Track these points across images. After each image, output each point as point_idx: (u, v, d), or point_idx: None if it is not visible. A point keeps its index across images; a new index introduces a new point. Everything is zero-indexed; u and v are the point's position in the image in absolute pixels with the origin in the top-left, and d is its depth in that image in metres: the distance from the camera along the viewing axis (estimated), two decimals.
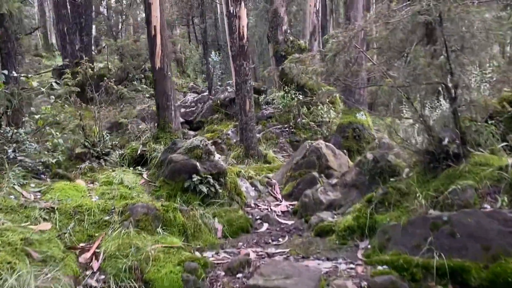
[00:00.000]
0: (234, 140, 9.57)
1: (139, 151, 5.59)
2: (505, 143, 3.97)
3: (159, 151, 5.51)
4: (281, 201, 5.45)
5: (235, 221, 4.43)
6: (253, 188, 5.67)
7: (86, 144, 5.00)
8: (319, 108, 9.91)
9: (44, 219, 3.54)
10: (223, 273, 3.18)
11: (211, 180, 4.79)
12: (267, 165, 7.61)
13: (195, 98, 11.06)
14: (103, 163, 5.03)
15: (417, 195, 3.74)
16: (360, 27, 3.87)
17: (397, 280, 2.77)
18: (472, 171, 3.57)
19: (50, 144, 4.92)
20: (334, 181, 4.98)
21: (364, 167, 4.72)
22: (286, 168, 6.09)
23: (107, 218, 3.75)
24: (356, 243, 3.76)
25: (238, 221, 4.44)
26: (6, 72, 4.80)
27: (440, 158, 3.86)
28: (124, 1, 21.21)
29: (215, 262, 3.42)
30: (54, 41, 27.39)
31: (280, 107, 10.35)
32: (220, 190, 4.86)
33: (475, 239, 2.88)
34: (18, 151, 4.41)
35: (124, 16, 18.68)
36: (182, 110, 11.04)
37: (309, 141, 6.12)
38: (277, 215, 4.95)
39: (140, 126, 12.62)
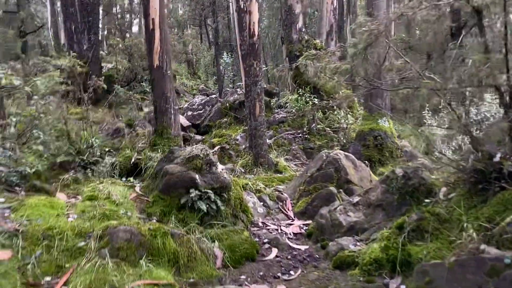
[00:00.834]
0: (243, 146, 8.89)
1: (133, 160, 4.95)
2: None
3: (156, 159, 4.88)
4: (293, 220, 4.74)
5: (239, 246, 3.74)
6: (262, 203, 4.98)
7: (71, 151, 4.38)
8: (335, 112, 9.18)
9: (3, 246, 2.90)
10: None
11: (212, 196, 4.12)
12: (278, 175, 6.92)
13: (203, 101, 10.42)
14: (90, 173, 4.40)
15: (464, 224, 3.01)
16: (398, 13, 3.15)
17: None
18: None
19: (31, 151, 4.30)
20: (355, 199, 4.26)
21: (392, 185, 4.00)
22: (299, 181, 5.38)
23: (81, 244, 3.10)
24: (386, 281, 3.04)
25: (242, 247, 3.75)
26: None
27: (491, 178, 3.12)
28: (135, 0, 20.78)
29: None
30: (63, 41, 27.14)
31: (293, 111, 9.64)
32: (223, 207, 4.18)
33: None
34: None
35: (133, 15, 18.19)
36: (189, 113, 10.41)
37: (326, 150, 5.42)
38: (288, 237, 4.25)
39: (146, 130, 12.09)
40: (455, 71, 2.97)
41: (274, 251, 3.92)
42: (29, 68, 14.83)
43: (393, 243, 3.24)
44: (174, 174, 4.19)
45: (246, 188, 5.02)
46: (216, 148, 9.14)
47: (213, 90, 19.78)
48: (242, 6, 7.11)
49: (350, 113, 9.30)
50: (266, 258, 3.77)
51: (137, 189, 4.50)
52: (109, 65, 18.20)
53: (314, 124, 9.15)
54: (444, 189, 3.75)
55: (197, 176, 4.17)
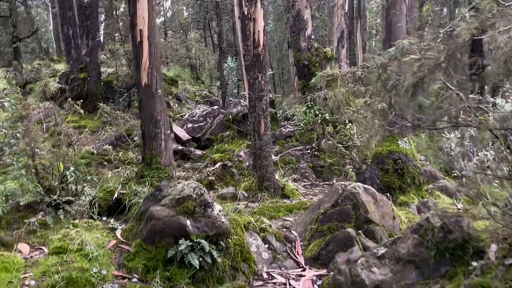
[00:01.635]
0: (247, 163, 8.17)
1: (115, 195, 4.23)
2: None
3: (142, 195, 4.16)
4: (304, 269, 4.00)
5: None
6: (267, 246, 4.24)
7: (39, 190, 3.68)
8: (347, 127, 8.43)
9: None
10: None
11: (207, 246, 3.39)
12: (285, 201, 6.18)
13: (204, 112, 9.70)
14: (63, 215, 3.69)
15: None
16: (470, 31, 2.37)
17: None
18: None
19: None
20: (380, 250, 3.51)
21: (428, 237, 3.25)
22: (311, 217, 4.64)
23: None
24: None
25: None
26: None
27: None
28: None
29: None
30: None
31: (302, 124, 8.90)
32: (219, 259, 3.45)
33: None
34: None
35: None
36: (189, 125, 9.70)
37: (341, 183, 4.66)
38: None
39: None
40: None
41: None
42: (20, 76, 14.17)
43: None
44: (160, 220, 3.47)
45: (249, 227, 4.29)
46: (217, 165, 8.42)
47: (217, 96, 19.08)
48: (245, 13, 6.40)
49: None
50: None
51: (118, 233, 3.79)
52: (110, 70, 17.57)
53: (324, 140, 8.40)
54: (494, 247, 3.00)
55: (188, 222, 3.45)
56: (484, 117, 2.58)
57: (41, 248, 3.34)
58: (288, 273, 3.90)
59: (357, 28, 14.50)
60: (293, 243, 4.37)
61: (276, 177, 7.90)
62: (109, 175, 5.31)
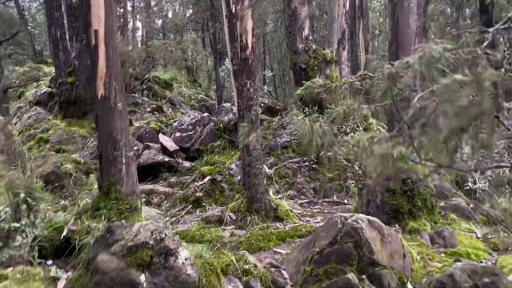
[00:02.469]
0: (239, 177, 7.40)
1: (64, 232, 3.47)
2: None
3: (96, 232, 3.41)
4: None
5: None
6: None
7: None
8: (349, 136, 7.63)
9: None
10: None
11: None
12: (278, 226, 5.42)
13: (194, 120, 8.94)
14: None
15: None
16: None
17: None
18: None
19: None
20: None
21: None
22: (304, 254, 3.87)
23: None
24: None
25: None
26: None
27: None
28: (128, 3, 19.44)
29: None
30: None
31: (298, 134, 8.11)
32: None
33: None
34: None
35: (123, 20, 16.79)
36: (178, 134, 8.95)
37: (340, 214, 3.88)
38: None
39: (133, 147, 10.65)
40: None
41: None
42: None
43: None
44: (107, 274, 2.71)
45: (228, 271, 3.51)
46: (206, 180, 7.67)
47: (214, 99, 18.34)
48: (233, 11, 5.64)
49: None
50: None
51: (61, 284, 3.02)
52: None
53: (323, 151, 7.61)
54: None
55: (142, 278, 2.69)
56: None
57: None
58: None
59: (359, 28, 13.71)
60: None
61: (270, 193, 7.13)
62: (67, 203, 4.55)
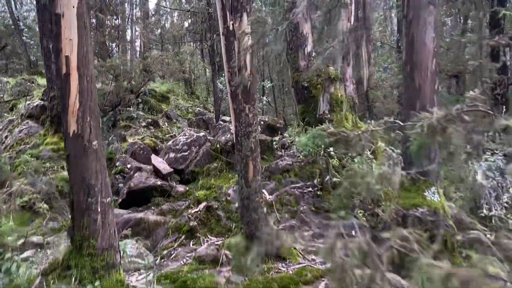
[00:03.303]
0: (236, 204, 6.84)
1: None
2: None
3: None
4: None
5: None
6: None
7: None
8: (355, 161, 7.09)
9: None
10: None
11: None
12: (280, 268, 4.85)
13: (189, 140, 8.38)
14: None
15: None
16: None
17: None
18: None
19: None
20: None
21: None
22: None
23: None
24: None
25: None
26: None
27: None
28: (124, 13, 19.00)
29: None
30: None
31: (301, 156, 7.57)
32: None
33: None
34: None
35: (119, 32, 16.31)
36: (172, 154, 8.39)
37: None
38: None
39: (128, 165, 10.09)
40: None
41: None
42: None
43: None
44: None
45: None
46: (201, 206, 7.10)
47: (212, 112, 17.80)
48: (230, 28, 5.13)
49: (373, 161, 7.20)
50: None
51: None
52: (98, 85, 16.35)
53: (328, 176, 7.06)
54: None
55: None
56: None
57: None
58: None
59: (362, 40, 13.21)
60: None
61: (271, 223, 6.57)
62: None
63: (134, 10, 28.68)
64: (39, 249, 4.42)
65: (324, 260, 5.29)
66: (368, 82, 13.31)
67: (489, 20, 9.55)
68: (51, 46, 13.93)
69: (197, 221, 6.76)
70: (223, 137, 8.00)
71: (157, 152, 11.34)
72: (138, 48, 28.36)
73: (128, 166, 9.88)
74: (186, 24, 23.73)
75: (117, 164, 10.22)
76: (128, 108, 14.47)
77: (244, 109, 4.94)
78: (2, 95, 12.65)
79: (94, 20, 15.39)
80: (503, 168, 8.66)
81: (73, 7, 2.91)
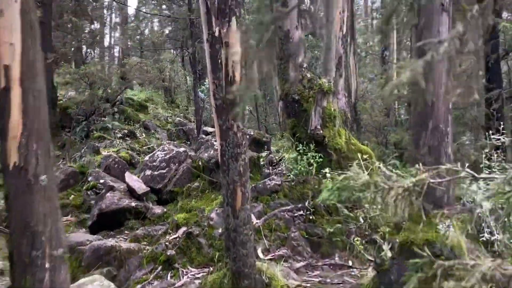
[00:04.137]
0: (220, 230, 6.14)
1: None
2: None
3: None
4: None
5: None
6: None
7: None
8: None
9: None
10: None
11: None
12: None
13: (167, 156, 7.64)
14: None
15: None
16: None
17: None
18: None
19: None
20: None
21: None
22: None
23: None
24: None
25: None
26: None
27: None
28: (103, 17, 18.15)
29: None
30: None
31: (291, 175, 6.94)
32: None
33: None
34: None
35: (96, 37, 15.46)
36: (148, 172, 7.63)
37: None
38: None
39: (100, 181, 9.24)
40: None
41: None
42: None
43: None
44: None
45: None
46: (180, 232, 6.38)
47: (193, 122, 17.06)
48: (216, 34, 4.46)
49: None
50: None
51: None
52: (71, 93, 15.42)
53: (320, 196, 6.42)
54: None
55: None
56: None
57: None
58: None
59: (350, 51, 12.76)
60: None
61: (259, 251, 5.91)
62: None
63: (113, 15, 27.75)
64: None
65: None
66: (356, 93, 12.86)
67: (485, 30, 9.15)
68: None
69: (175, 249, 6.03)
70: (206, 154, 7.31)
71: (133, 166, 10.55)
72: (116, 55, 27.44)
73: (101, 181, 9.07)
74: (166, 31, 23.02)
75: (89, 179, 9.39)
76: (103, 118, 13.63)
77: (232, 127, 4.28)
78: None
79: (70, 25, 14.51)
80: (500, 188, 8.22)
81: (15, 1, 2.21)
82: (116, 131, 13.56)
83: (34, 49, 2.33)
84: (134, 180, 7.42)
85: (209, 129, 12.88)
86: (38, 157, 2.30)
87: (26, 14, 2.29)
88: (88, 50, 18.27)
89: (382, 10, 17.65)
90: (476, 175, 2.00)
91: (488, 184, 8.22)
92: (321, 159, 6.83)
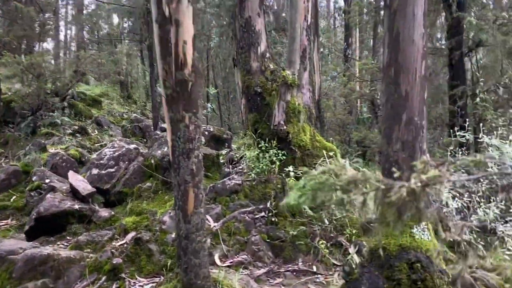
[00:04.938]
0: (173, 235, 5.55)
1: None
2: None
3: None
4: None
5: None
6: None
7: None
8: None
9: None
10: None
11: None
12: None
13: (116, 153, 6.95)
14: None
15: None
16: None
17: None
18: None
19: None
20: None
21: None
22: None
23: None
24: None
25: None
26: None
27: None
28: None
29: None
30: None
31: (252, 174, 6.44)
32: None
33: None
34: None
35: (45, 26, 14.37)
36: (95, 171, 6.90)
37: None
38: None
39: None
40: None
41: None
42: None
43: None
44: None
45: None
46: (129, 238, 5.74)
47: (151, 119, 16.23)
48: (167, 14, 3.88)
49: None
50: None
51: None
52: (18, 85, 14.23)
53: (285, 198, 5.96)
54: None
55: None
56: None
57: None
58: None
59: (314, 46, 12.44)
60: None
61: (216, 257, 5.39)
62: None
63: (69, 7, 26.34)
64: None
65: None
66: (319, 91, 12.56)
67: (448, 27, 9.02)
68: None
69: (123, 256, 5.38)
70: (159, 151, 6.68)
71: (83, 164, 9.73)
72: (73, 49, 26.04)
73: (47, 181, 8.22)
74: (126, 24, 21.96)
75: (34, 178, 8.51)
76: (51, 113, 12.60)
77: (183, 118, 3.71)
78: None
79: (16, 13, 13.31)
80: (468, 186, 8.10)
81: None
82: (66, 127, 12.60)
83: None
84: (78, 180, 6.68)
85: (164, 133, 12.21)
86: None
87: None
88: (40, 42, 17.05)
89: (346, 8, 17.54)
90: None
91: (453, 182, 8.01)
92: (284, 157, 6.39)
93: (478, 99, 8.21)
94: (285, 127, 6.27)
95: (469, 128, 8.32)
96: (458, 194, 7.71)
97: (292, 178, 6.08)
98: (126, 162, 6.80)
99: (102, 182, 6.74)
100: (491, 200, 7.33)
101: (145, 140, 12.62)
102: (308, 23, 7.63)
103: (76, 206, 6.30)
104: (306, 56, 7.49)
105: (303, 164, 6.31)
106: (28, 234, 6.40)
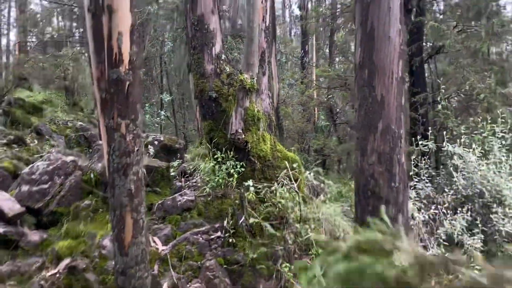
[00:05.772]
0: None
1: None
2: None
3: None
4: None
5: None
6: None
7: None
8: (278, 194, 5.49)
9: None
10: None
11: None
12: None
13: (51, 167, 6.05)
14: None
15: None
16: None
17: None
18: None
19: None
20: None
21: None
22: None
23: None
24: None
25: None
26: None
27: None
28: None
29: None
30: None
31: (207, 188, 5.77)
32: None
33: None
34: None
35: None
36: (25, 187, 5.97)
37: None
38: None
39: None
40: None
41: None
42: None
43: None
44: None
45: None
46: (61, 267, 4.90)
47: (98, 128, 15.15)
48: (100, 2, 3.18)
49: (297, 191, 5.65)
50: None
51: None
52: None
53: (243, 215, 5.33)
54: None
55: None
56: None
57: None
58: None
59: (272, 50, 11.98)
60: None
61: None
62: None
63: (12, 10, 24.62)
64: None
65: None
66: (278, 98, 12.12)
67: (408, 33, 8.79)
68: None
69: None
70: (100, 164, 5.87)
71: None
72: (15, 51, 24.26)
73: None
74: (74, 25, 20.63)
75: None
76: None
77: (118, 127, 3.02)
78: None
79: None
80: (433, 197, 7.83)
81: None
82: (0, 137, 11.33)
83: None
84: (4, 199, 5.72)
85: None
86: None
87: None
88: None
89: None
90: None
91: (418, 193, 7.59)
92: (243, 169, 5.78)
93: (440, 106, 7.99)
94: (243, 136, 5.68)
95: (431, 136, 8.09)
96: (423, 206, 7.40)
97: (252, 193, 5.48)
98: (62, 177, 5.92)
99: (33, 200, 5.82)
100: (457, 212, 7.07)
101: (90, 150, 11.59)
102: (267, 24, 7.11)
103: (0, 230, 5.35)
104: (265, 59, 6.95)
105: (263, 177, 5.73)
106: None
